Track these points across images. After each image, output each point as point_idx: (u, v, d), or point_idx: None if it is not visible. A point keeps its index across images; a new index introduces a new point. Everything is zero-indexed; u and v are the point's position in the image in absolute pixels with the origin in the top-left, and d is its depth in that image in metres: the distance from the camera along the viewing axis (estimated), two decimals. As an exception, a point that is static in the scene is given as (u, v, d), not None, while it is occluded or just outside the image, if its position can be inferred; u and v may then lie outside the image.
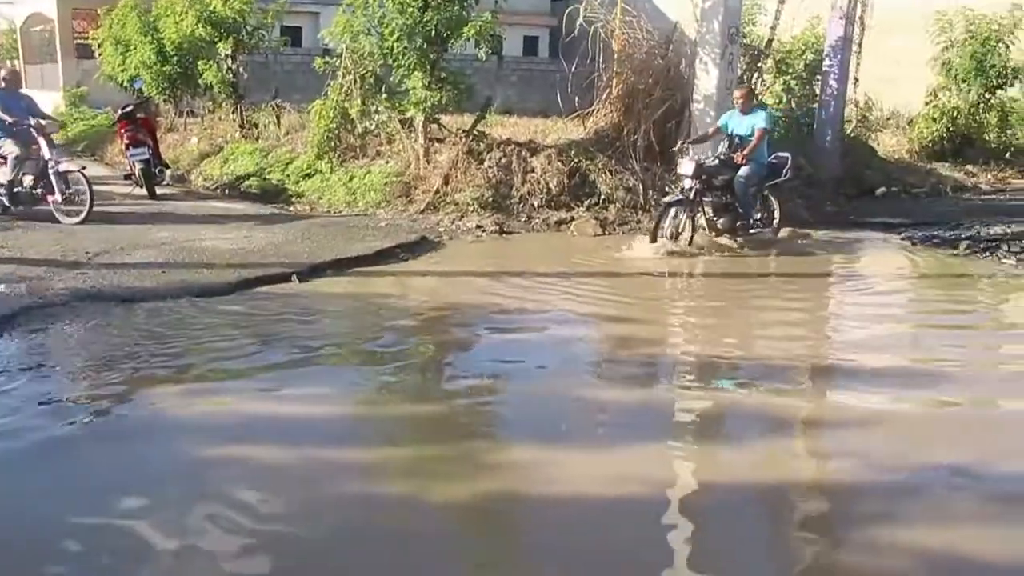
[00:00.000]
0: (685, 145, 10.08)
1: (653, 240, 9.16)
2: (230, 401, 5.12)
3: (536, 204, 10.55)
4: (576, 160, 10.81)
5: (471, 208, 10.28)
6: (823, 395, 5.63)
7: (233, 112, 15.11)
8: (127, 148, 12.40)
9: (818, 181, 12.10)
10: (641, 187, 10.55)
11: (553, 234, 10.14)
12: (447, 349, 6.34)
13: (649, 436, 4.68)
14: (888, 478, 4.22)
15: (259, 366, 5.68)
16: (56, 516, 3.73)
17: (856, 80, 13.54)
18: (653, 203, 10.50)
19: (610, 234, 10.08)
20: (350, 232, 9.67)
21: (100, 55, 17.52)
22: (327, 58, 12.03)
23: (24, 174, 10.04)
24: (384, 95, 11.55)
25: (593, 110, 11.70)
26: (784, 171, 9.64)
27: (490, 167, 10.76)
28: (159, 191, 12.18)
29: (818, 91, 12.86)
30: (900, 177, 13.74)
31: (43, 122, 10.33)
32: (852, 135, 13.83)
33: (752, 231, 9.69)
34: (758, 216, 9.69)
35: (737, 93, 9.64)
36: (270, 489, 3.99)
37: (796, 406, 5.27)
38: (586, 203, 10.58)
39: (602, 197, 10.61)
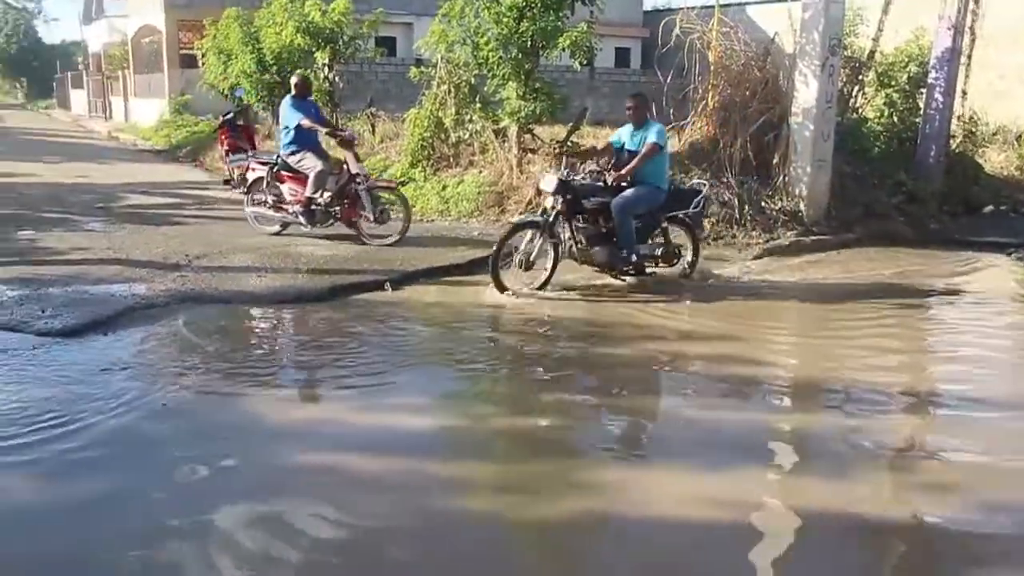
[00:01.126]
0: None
1: (499, 287, 7.64)
2: (321, 408, 5.19)
3: (629, 216, 10.40)
4: (670, 173, 10.63)
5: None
6: (909, 420, 5.41)
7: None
8: (227, 154, 12.75)
9: (920, 198, 11.68)
10: (737, 201, 10.34)
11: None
12: (538, 362, 6.29)
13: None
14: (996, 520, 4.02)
15: (351, 373, 5.72)
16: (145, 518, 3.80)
17: (964, 93, 13.06)
18: (749, 217, 10.29)
19: (704, 248, 9.86)
20: (443, 241, 9.73)
21: (203, 64, 18.07)
22: (422, 68, 12.16)
23: (323, 190, 9.56)
24: (478, 105, 11.63)
25: (688, 122, 11.53)
26: (696, 202, 8.18)
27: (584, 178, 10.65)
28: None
29: (922, 105, 12.43)
30: (1010, 195, 13.18)
31: (347, 133, 10.04)
32: (957, 151, 13.33)
33: (633, 271, 8.08)
34: (649, 252, 8.07)
35: (629, 103, 8.14)
36: (356, 498, 4.01)
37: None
38: (680, 217, 10.39)
39: (696, 211, 10.41)
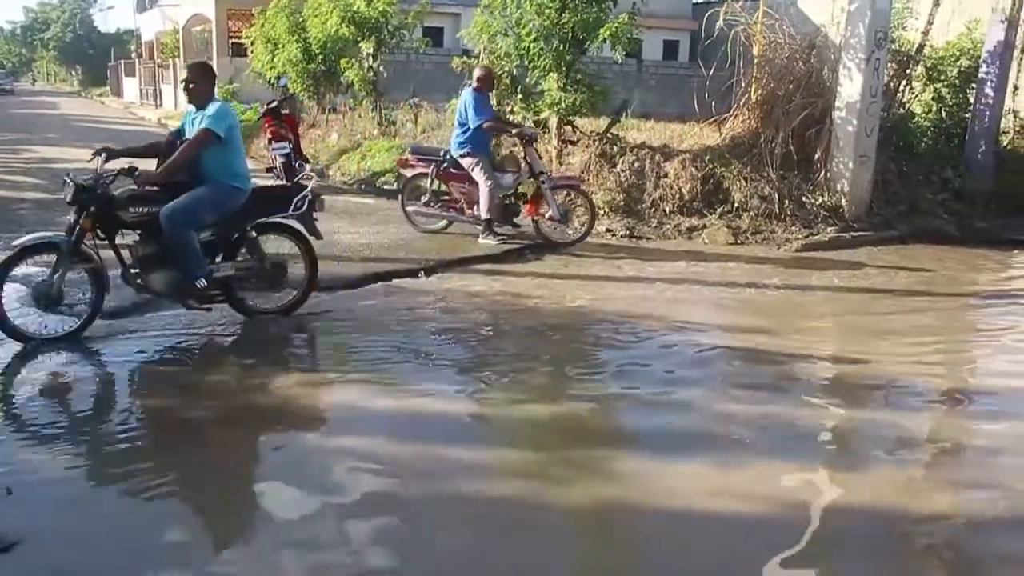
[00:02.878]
0: None
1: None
2: (355, 394, 5.22)
3: (668, 210, 10.37)
4: (710, 166, 10.58)
5: (602, 211, 10.17)
6: (950, 417, 5.33)
7: (372, 110, 15.53)
8: (270, 143, 12.84)
9: (968, 195, 11.46)
10: (777, 196, 10.22)
11: (683, 241, 9.94)
12: (571, 351, 6.29)
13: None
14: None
15: (384, 360, 5.77)
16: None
17: (1016, 88, 12.77)
18: (789, 212, 10.18)
19: (742, 243, 9.82)
20: (478, 231, 9.72)
21: (251, 53, 18.30)
22: (465, 58, 12.18)
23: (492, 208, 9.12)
24: (519, 95, 11.61)
25: (730, 115, 11.43)
26: (298, 202, 6.27)
27: (623, 171, 10.65)
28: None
29: (971, 100, 12.18)
30: (1069, 195, 12.87)
31: (530, 132, 9.63)
32: (1009, 147, 13.04)
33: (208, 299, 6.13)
34: (232, 272, 6.16)
35: (185, 76, 6.12)
36: (388, 483, 4.06)
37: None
38: (719, 211, 10.33)
39: (736, 205, 10.33)
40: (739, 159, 10.62)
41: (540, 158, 9.54)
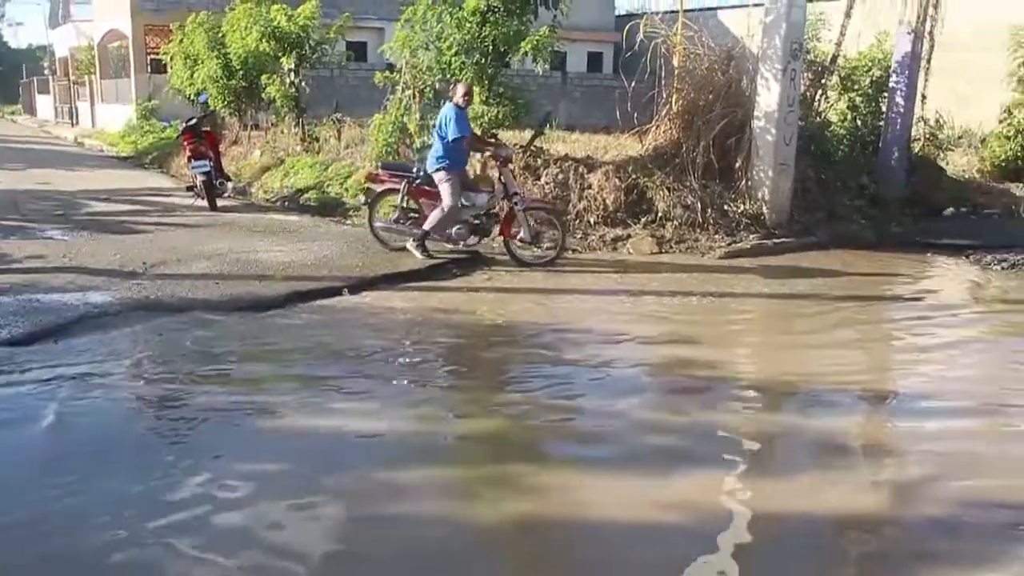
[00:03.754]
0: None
1: None
2: (273, 416, 5.10)
3: (592, 221, 10.43)
4: (634, 176, 10.67)
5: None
6: (871, 419, 5.44)
7: (295, 126, 15.33)
8: (189, 160, 12.63)
9: (883, 201, 11.78)
10: (699, 205, 10.36)
11: (608, 252, 10.00)
12: (493, 366, 6.27)
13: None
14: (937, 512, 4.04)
15: (303, 380, 5.68)
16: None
17: (924, 97, 13.16)
18: (712, 221, 10.32)
19: (666, 252, 9.92)
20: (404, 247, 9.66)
21: (170, 69, 17.95)
22: (386, 73, 12.11)
23: (470, 210, 9.15)
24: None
25: (652, 126, 11.56)
26: None
27: (547, 183, 10.68)
28: (220, 203, 12.37)
29: (884, 108, 12.52)
30: (970, 197, 13.29)
31: (506, 152, 9.49)
32: (920, 154, 13.43)
33: None
34: None
35: None
36: (306, 506, 3.97)
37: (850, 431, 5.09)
38: (643, 221, 10.41)
39: (659, 214, 10.43)
40: (662, 169, 10.73)
41: (515, 179, 9.44)
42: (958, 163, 15.30)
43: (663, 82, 11.77)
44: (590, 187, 10.62)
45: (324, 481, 4.23)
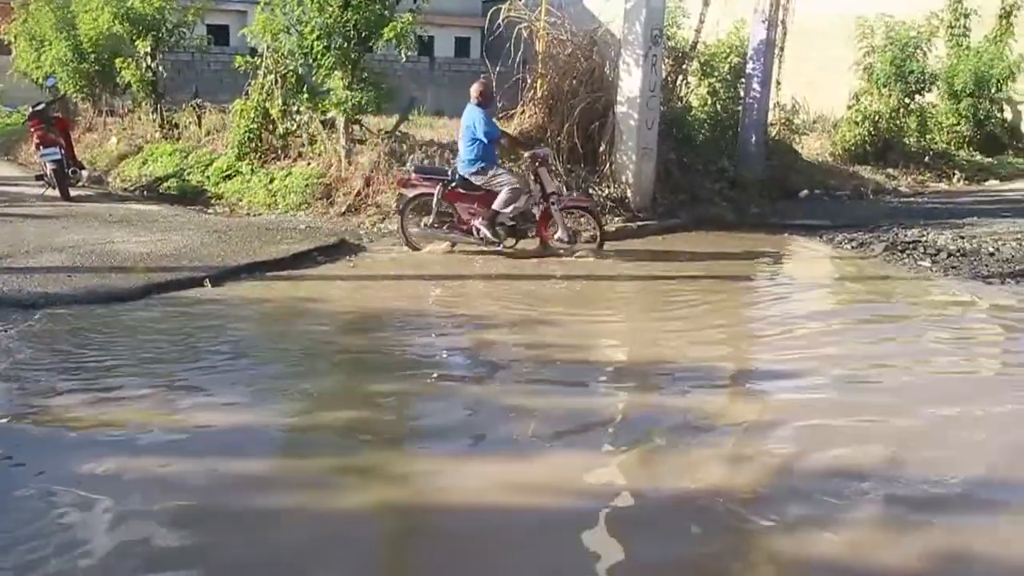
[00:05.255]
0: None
1: None
2: (130, 412, 4.90)
3: (460, 206, 10.41)
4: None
5: (392, 210, 10.10)
6: (733, 396, 5.61)
7: (153, 112, 14.75)
8: (38, 148, 12.01)
9: (743, 183, 12.19)
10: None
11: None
12: (357, 353, 6.20)
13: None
14: (793, 483, 4.20)
15: (161, 374, 5.47)
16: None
17: (779, 84, 13.68)
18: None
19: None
20: (268, 235, 9.46)
21: (14, 51, 17.02)
22: (247, 57, 11.79)
23: (515, 206, 8.94)
24: (305, 95, 11.34)
25: (517, 111, 11.62)
26: None
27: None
28: (73, 192, 11.82)
29: (742, 94, 12.94)
30: (823, 180, 13.93)
31: (543, 152, 9.38)
32: (776, 138, 13.97)
33: None
34: None
35: None
36: (167, 502, 3.84)
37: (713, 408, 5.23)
38: (510, 205, 10.45)
39: (526, 199, 10.50)
40: (527, 154, 10.79)
41: (552, 179, 9.34)
42: (812, 147, 15.98)
43: (527, 67, 11.84)
44: (457, 172, 10.58)
45: (171, 475, 4.09)
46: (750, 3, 12.56)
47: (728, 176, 12.21)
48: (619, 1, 10.85)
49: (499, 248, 9.04)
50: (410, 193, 9.25)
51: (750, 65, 12.61)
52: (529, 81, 11.67)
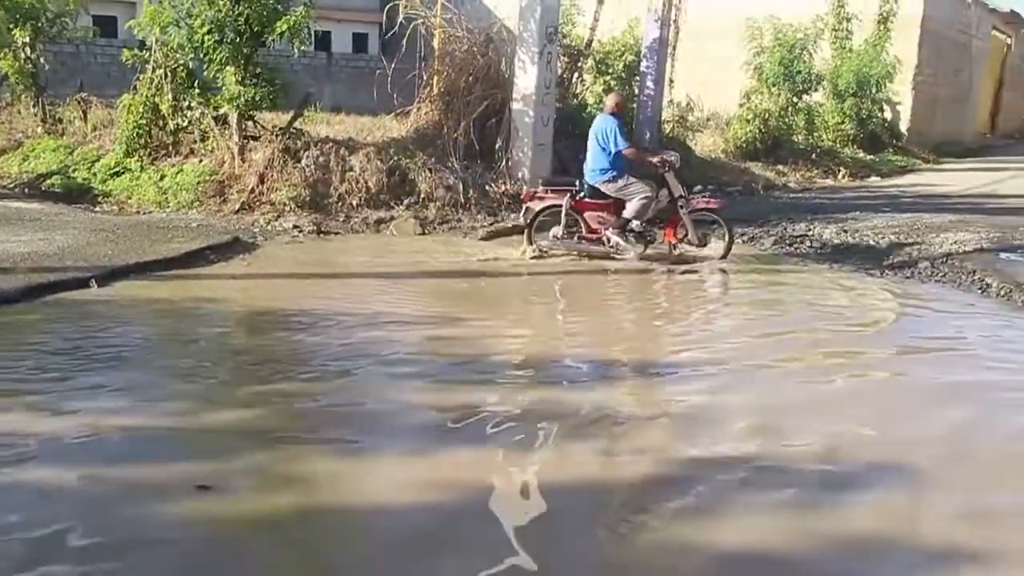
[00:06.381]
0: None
1: None
2: (8, 419, 4.72)
3: (355, 203, 10.35)
4: (396, 159, 10.68)
5: (287, 208, 9.99)
6: (640, 391, 5.72)
7: (34, 105, 14.16)
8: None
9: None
10: (461, 185, 10.53)
11: (371, 234, 9.96)
12: (252, 355, 6.08)
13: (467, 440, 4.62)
14: (682, 472, 4.31)
15: (42, 379, 5.28)
16: None
17: (672, 82, 13.98)
18: (474, 201, 10.50)
19: (430, 233, 10.00)
20: (159, 233, 9.21)
21: None
22: (136, 51, 11.45)
23: (642, 216, 8.93)
24: (196, 90, 11.09)
25: (414, 108, 11.60)
26: None
27: (307, 166, 10.49)
28: (-55, 191, 11.30)
29: (637, 91, 13.18)
30: (716, 176, 14.31)
31: (672, 157, 9.20)
32: (670, 135, 14.27)
33: None
34: None
35: None
36: (48, 513, 3.71)
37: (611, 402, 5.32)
38: (406, 202, 10.46)
39: (422, 196, 10.51)
40: (424, 151, 10.82)
41: (680, 184, 9.24)
42: (706, 144, 16.39)
43: (424, 63, 11.82)
44: (352, 169, 10.54)
45: (49, 485, 3.96)
46: (643, 2, 12.81)
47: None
48: (513, -1, 10.95)
49: (630, 255, 9.05)
50: (537, 207, 9.23)
51: (644, 63, 12.85)
52: (425, 78, 11.65)
